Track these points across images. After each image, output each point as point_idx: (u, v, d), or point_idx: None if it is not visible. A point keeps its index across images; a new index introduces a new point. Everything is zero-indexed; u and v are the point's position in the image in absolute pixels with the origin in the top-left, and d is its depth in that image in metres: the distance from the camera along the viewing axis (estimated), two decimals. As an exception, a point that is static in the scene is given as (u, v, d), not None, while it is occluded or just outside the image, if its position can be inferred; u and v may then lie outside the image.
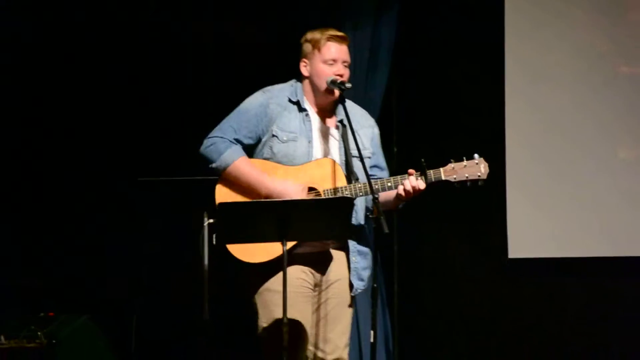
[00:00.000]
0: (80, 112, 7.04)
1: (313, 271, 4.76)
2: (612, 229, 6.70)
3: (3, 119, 6.90)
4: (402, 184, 4.66)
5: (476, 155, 4.79)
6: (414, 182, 4.65)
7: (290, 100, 4.83)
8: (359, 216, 4.81)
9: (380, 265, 6.60)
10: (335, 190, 4.68)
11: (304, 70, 4.85)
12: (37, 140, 7.00)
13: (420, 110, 7.01)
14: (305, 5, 6.66)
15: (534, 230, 6.80)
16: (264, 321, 4.71)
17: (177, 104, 7.00)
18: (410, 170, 4.69)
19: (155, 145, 6.94)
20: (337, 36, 4.81)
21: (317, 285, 4.79)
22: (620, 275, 6.72)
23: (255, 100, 4.83)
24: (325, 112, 4.87)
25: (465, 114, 6.91)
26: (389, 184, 4.68)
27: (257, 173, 4.70)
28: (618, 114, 6.70)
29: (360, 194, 4.68)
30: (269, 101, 4.80)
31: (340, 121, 4.84)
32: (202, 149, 4.76)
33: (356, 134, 4.71)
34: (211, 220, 4.79)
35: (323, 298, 4.79)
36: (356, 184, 4.69)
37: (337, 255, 4.81)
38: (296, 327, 4.61)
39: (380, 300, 6.60)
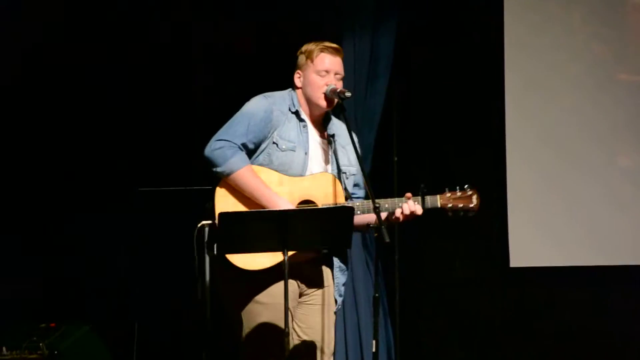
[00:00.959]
0: (78, 123, 7.05)
1: (298, 281, 4.76)
2: (613, 238, 6.71)
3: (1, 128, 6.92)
4: (401, 207, 4.67)
5: (467, 186, 4.82)
6: (412, 206, 4.67)
7: (290, 110, 4.83)
8: None
9: (381, 275, 6.60)
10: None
11: (298, 81, 4.85)
12: (37, 151, 7.01)
13: (420, 119, 7.01)
14: (304, 16, 6.67)
15: (534, 239, 6.80)
16: (248, 333, 4.69)
17: (177, 115, 7.01)
18: (408, 194, 4.70)
19: (156, 156, 6.95)
20: (331, 47, 4.81)
21: (301, 295, 4.80)
22: (620, 284, 6.72)
23: (260, 105, 4.79)
24: (319, 125, 4.87)
25: (465, 123, 6.91)
26: (386, 206, 4.67)
27: (260, 184, 4.66)
28: (617, 122, 6.71)
29: (359, 212, 4.66)
30: (273, 107, 4.78)
31: (332, 135, 4.85)
32: (209, 151, 4.68)
33: (344, 150, 4.77)
34: (204, 222, 4.76)
35: (308, 306, 4.80)
36: (357, 202, 4.70)
37: (320, 266, 4.82)
38: (279, 334, 4.55)
39: (382, 309, 6.60)
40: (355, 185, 4.91)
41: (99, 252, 6.94)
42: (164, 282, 6.79)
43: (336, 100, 4.73)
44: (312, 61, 4.81)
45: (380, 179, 4.75)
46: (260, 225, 4.40)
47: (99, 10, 6.98)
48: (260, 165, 4.74)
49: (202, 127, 5.02)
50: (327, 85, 4.76)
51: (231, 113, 4.81)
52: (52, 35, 6.93)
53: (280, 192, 4.68)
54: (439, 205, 4.77)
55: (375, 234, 4.49)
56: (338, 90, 4.73)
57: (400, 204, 4.68)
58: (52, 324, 6.25)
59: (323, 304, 4.82)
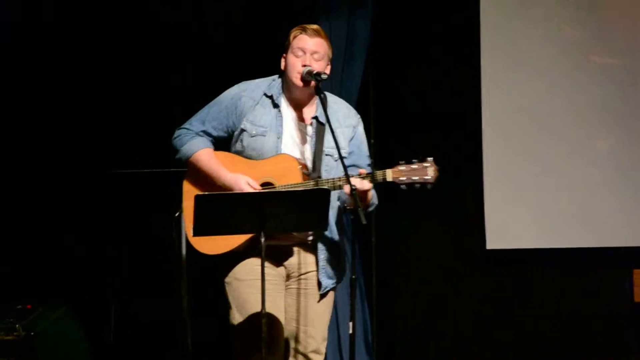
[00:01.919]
0: (55, 104, 7.02)
1: (284, 263, 4.78)
2: (590, 219, 6.74)
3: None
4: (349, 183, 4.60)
5: (429, 159, 4.72)
6: (358, 182, 4.59)
7: (265, 94, 4.84)
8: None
9: (358, 257, 6.61)
10: (290, 186, 4.66)
11: (282, 64, 4.86)
12: (14, 133, 6.99)
13: (396, 100, 7.01)
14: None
15: (511, 220, 6.82)
16: (235, 310, 4.74)
17: (154, 95, 6.99)
18: (361, 170, 4.67)
19: (130, 138, 6.94)
20: (310, 29, 4.82)
21: (289, 277, 4.81)
22: (598, 266, 6.76)
23: (228, 93, 4.88)
24: (301, 108, 4.86)
25: (441, 104, 6.92)
26: (339, 183, 4.64)
27: (214, 164, 4.76)
28: (595, 103, 6.74)
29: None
30: (242, 94, 4.83)
31: (315, 118, 4.84)
32: (172, 139, 4.88)
33: (336, 132, 4.71)
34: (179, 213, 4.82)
35: (297, 291, 4.81)
36: (311, 182, 4.67)
37: (306, 251, 4.82)
38: (269, 318, 4.60)
39: (359, 291, 6.61)
40: (352, 165, 4.80)
41: (76, 233, 6.92)
42: (141, 263, 6.79)
43: (312, 82, 4.73)
44: (290, 43, 4.82)
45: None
46: (235, 208, 4.41)
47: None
48: (236, 152, 4.80)
49: (182, 109, 5.03)
50: (304, 66, 4.76)
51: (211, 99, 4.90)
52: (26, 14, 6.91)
53: (237, 173, 4.72)
54: (390, 179, 4.68)
55: (352, 217, 4.48)
56: (314, 72, 4.72)
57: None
58: (29, 306, 6.23)
59: (307, 288, 4.82)
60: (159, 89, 6.97)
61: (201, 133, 4.82)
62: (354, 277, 4.68)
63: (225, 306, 4.79)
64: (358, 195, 4.51)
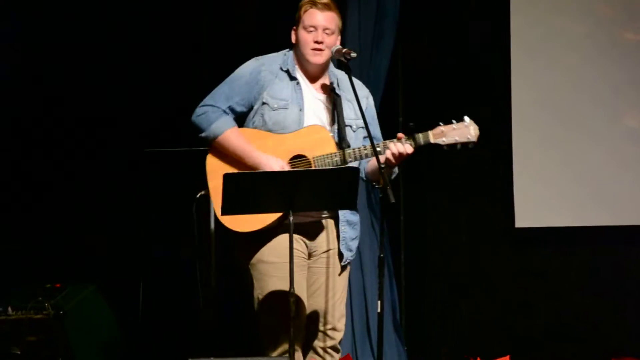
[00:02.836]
0: (82, 85, 7.03)
1: (306, 240, 4.75)
2: (616, 198, 6.72)
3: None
4: (389, 148, 4.59)
5: (466, 118, 4.67)
6: (400, 147, 4.58)
7: (281, 69, 4.80)
8: None
9: (387, 236, 6.59)
10: (325, 157, 4.64)
11: (293, 37, 4.82)
12: (41, 114, 7.00)
13: (426, 79, 6.98)
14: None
15: (540, 199, 6.80)
16: (259, 293, 4.70)
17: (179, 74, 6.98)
18: (400, 135, 4.63)
19: (161, 117, 6.94)
20: (320, 3, 4.75)
21: (310, 255, 4.79)
22: (623, 244, 6.73)
23: (247, 68, 4.81)
24: (316, 80, 4.83)
25: (469, 85, 6.88)
26: (378, 149, 4.60)
27: (244, 144, 4.68)
28: (619, 83, 6.70)
29: (350, 160, 4.63)
30: (261, 68, 4.78)
31: (332, 89, 4.81)
32: (194, 117, 4.75)
33: (349, 103, 4.71)
34: (203, 192, 4.79)
35: (316, 268, 4.79)
36: (347, 150, 4.65)
37: (327, 225, 4.79)
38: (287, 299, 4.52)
39: (387, 270, 6.60)
40: (367, 137, 4.77)
41: (104, 213, 6.94)
42: (168, 241, 6.80)
43: (342, 59, 4.68)
44: (301, 17, 4.77)
45: (385, 139, 4.69)
46: (264, 186, 4.40)
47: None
48: (255, 127, 4.75)
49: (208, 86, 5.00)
50: (315, 42, 4.72)
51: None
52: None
53: (267, 150, 4.66)
54: (431, 141, 4.63)
55: (381, 195, 4.46)
56: (343, 50, 4.69)
57: (389, 145, 4.61)
58: (58, 285, 6.26)
59: (328, 267, 4.81)
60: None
61: (227, 110, 4.74)
62: (382, 255, 4.63)
63: (249, 289, 4.76)
64: (386, 173, 4.49)
